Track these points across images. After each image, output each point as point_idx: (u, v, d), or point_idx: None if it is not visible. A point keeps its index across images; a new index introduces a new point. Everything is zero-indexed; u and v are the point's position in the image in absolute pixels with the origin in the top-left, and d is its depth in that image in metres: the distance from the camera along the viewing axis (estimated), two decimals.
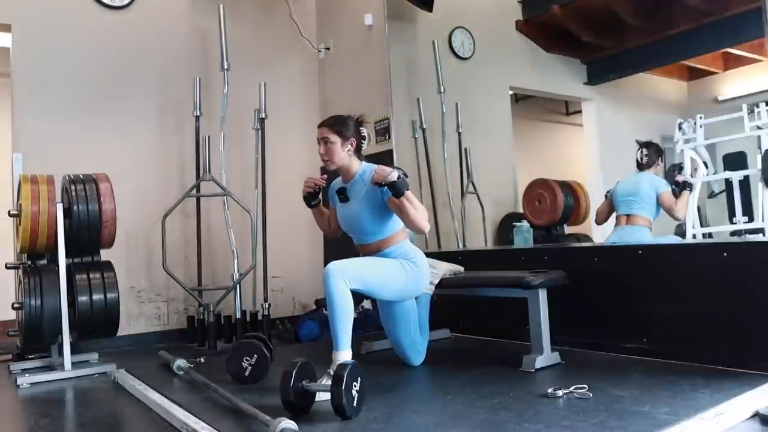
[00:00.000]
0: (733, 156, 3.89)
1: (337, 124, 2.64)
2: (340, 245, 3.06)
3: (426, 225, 2.55)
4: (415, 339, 2.85)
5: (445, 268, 3.15)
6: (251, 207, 4.41)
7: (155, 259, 4.32)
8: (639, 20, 4.38)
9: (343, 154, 2.64)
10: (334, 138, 2.62)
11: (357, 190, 2.67)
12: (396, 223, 2.66)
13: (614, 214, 3.74)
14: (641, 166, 3.66)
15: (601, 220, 3.81)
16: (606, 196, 3.81)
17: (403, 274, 2.62)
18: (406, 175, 2.50)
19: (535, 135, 5.54)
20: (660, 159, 3.67)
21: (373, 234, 2.68)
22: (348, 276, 2.41)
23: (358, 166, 2.69)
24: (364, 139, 2.72)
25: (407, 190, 2.47)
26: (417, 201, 2.53)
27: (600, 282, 3.00)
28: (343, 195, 2.71)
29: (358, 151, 2.70)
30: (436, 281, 3.05)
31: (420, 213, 2.52)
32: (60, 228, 3.22)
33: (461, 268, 3.24)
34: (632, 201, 3.60)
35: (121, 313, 3.40)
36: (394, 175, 2.45)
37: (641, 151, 3.64)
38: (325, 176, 2.81)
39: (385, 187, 2.50)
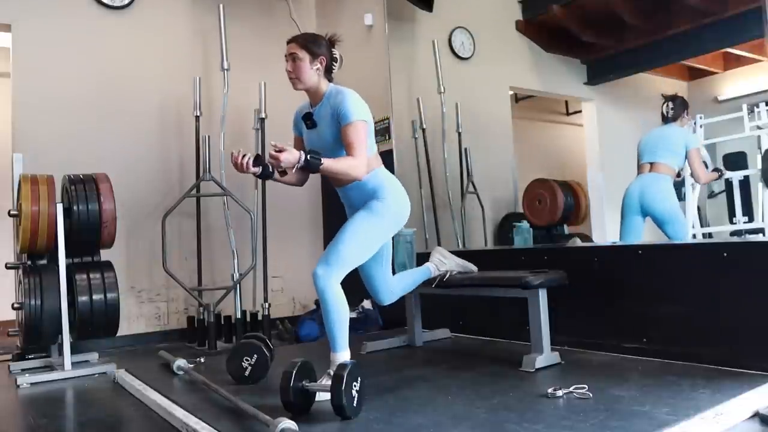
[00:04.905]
0: (733, 156, 3.90)
1: (307, 41, 2.53)
2: None
3: (360, 172, 2.42)
4: (386, 276, 2.76)
5: (454, 264, 3.09)
6: (251, 207, 4.41)
7: (155, 259, 4.32)
8: (639, 20, 4.38)
9: (311, 72, 2.51)
10: (303, 55, 2.50)
11: (323, 113, 2.55)
12: (368, 149, 2.51)
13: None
14: (666, 119, 3.65)
15: None
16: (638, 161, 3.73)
17: (376, 220, 2.47)
18: (316, 156, 2.32)
19: (535, 135, 5.54)
20: (685, 112, 3.65)
21: None
22: (334, 271, 2.33)
23: (326, 88, 2.57)
24: (336, 61, 2.61)
25: (321, 164, 2.33)
26: (339, 164, 2.39)
27: (600, 282, 3.00)
28: (309, 121, 2.60)
29: (328, 71, 2.58)
30: (443, 269, 3.04)
31: (346, 166, 2.39)
32: (60, 228, 3.21)
33: (474, 268, 3.14)
34: (658, 150, 3.58)
35: (121, 313, 3.40)
36: (298, 158, 2.28)
37: (667, 105, 3.64)
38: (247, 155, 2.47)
39: (343, 115, 2.43)
